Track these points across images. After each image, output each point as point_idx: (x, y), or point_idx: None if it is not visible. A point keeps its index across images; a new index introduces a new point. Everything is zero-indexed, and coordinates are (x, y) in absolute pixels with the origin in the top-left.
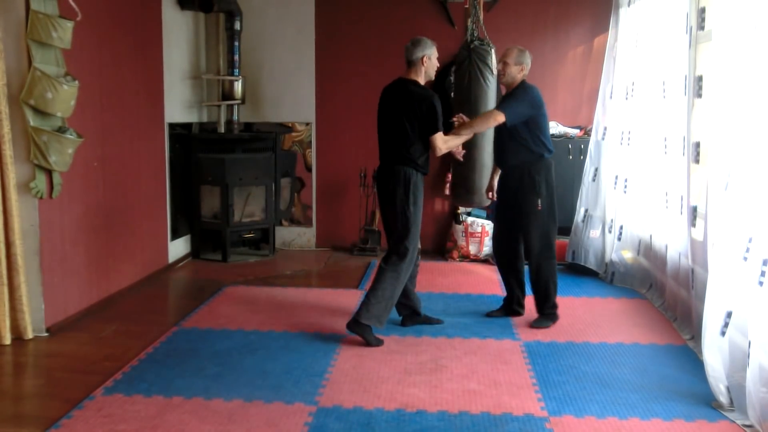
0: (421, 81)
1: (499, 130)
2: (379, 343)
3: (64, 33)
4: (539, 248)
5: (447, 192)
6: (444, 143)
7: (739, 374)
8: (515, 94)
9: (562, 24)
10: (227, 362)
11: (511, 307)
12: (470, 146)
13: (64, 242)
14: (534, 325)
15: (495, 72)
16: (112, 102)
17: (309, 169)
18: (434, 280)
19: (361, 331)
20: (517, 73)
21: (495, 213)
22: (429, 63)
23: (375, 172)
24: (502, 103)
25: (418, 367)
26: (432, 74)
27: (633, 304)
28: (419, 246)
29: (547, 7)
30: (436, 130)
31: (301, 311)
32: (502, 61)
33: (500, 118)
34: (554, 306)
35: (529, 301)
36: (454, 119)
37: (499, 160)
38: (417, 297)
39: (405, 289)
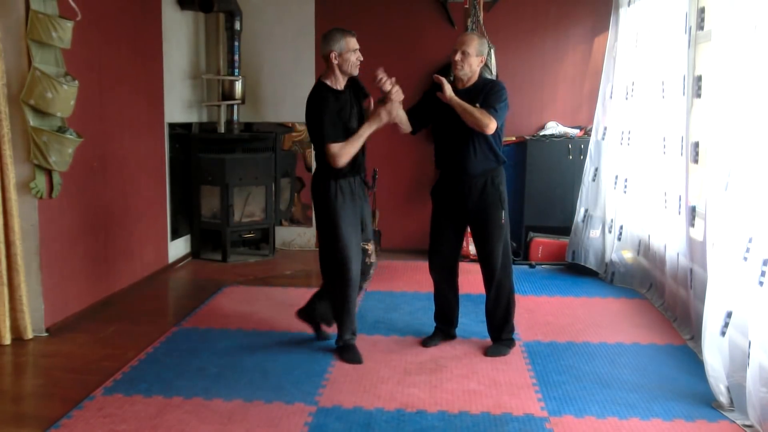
0: (335, 83)
1: (455, 132)
2: (358, 360)
3: (64, 33)
4: (502, 263)
5: None
6: (340, 149)
7: (739, 374)
8: (498, 95)
9: (562, 24)
10: (227, 362)
11: (449, 331)
12: None
13: (64, 242)
14: (491, 353)
15: (495, 72)
16: (112, 102)
17: (309, 169)
18: None
19: (340, 354)
20: (478, 65)
21: (434, 224)
22: (341, 59)
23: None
24: (490, 107)
25: (418, 367)
26: (351, 70)
27: (633, 304)
28: (361, 255)
29: (547, 7)
30: (323, 141)
31: None
32: (461, 51)
33: (492, 125)
34: (512, 329)
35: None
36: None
37: (450, 166)
38: (321, 306)
39: (315, 295)
